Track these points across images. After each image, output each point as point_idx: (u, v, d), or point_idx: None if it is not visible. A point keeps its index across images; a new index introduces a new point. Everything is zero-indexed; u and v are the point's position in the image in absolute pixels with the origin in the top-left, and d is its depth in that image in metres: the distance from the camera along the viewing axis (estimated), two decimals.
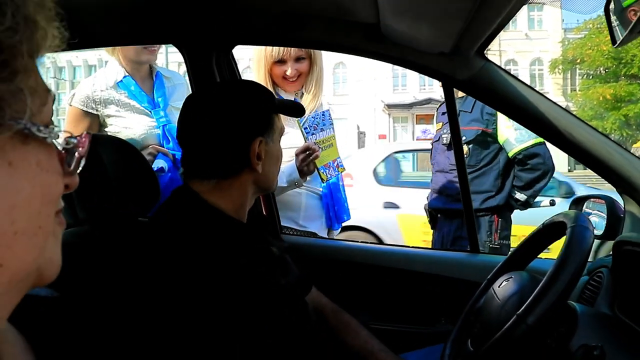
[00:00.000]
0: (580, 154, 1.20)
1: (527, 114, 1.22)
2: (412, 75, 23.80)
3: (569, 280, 0.77)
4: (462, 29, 0.99)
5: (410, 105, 22.44)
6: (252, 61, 1.76)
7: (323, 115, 1.66)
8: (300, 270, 1.14)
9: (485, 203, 2.27)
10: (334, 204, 1.81)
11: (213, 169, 0.95)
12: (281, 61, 1.70)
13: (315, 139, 1.60)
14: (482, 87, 1.23)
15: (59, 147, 0.37)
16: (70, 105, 1.75)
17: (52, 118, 0.37)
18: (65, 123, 1.79)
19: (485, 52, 1.19)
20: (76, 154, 0.39)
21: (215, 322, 0.79)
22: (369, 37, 1.23)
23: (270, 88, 1.69)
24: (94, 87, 1.75)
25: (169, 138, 1.80)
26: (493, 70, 1.21)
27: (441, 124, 2.42)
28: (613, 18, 0.69)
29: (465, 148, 2.24)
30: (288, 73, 1.70)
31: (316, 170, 1.58)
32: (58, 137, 0.36)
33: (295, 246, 1.46)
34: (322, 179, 1.59)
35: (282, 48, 1.66)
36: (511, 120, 2.17)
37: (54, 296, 0.53)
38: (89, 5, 1.26)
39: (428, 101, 21.16)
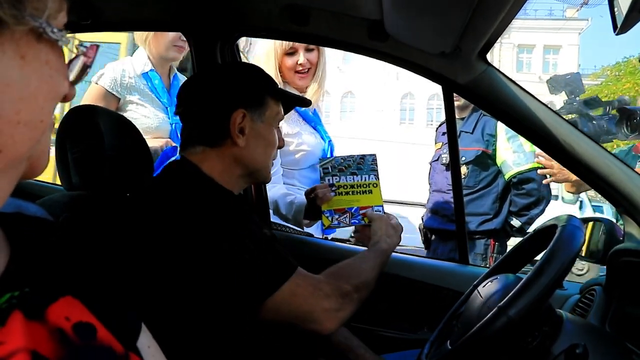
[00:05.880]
0: (580, 169, 1.17)
1: (526, 123, 1.20)
2: (420, 110, 23.98)
3: (554, 275, 0.74)
4: (463, 25, 0.98)
5: None
6: (260, 57, 1.74)
7: (363, 158, 1.45)
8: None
9: (482, 226, 2.22)
10: None
11: (198, 135, 0.98)
12: (292, 52, 1.68)
13: (336, 181, 1.41)
14: (483, 92, 1.22)
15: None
16: (96, 84, 1.80)
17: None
18: (84, 99, 1.82)
19: (487, 56, 1.18)
20: (81, 62, 0.41)
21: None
22: (372, 35, 1.24)
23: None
24: (123, 73, 1.82)
25: (179, 136, 1.84)
26: (495, 75, 1.19)
27: (441, 144, 2.40)
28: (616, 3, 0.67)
29: (463, 169, 2.21)
30: (300, 61, 1.67)
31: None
32: (69, 42, 0.38)
33: (287, 242, 1.43)
34: (323, 224, 1.40)
35: None
36: (510, 142, 2.16)
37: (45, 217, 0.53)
38: None
39: None
